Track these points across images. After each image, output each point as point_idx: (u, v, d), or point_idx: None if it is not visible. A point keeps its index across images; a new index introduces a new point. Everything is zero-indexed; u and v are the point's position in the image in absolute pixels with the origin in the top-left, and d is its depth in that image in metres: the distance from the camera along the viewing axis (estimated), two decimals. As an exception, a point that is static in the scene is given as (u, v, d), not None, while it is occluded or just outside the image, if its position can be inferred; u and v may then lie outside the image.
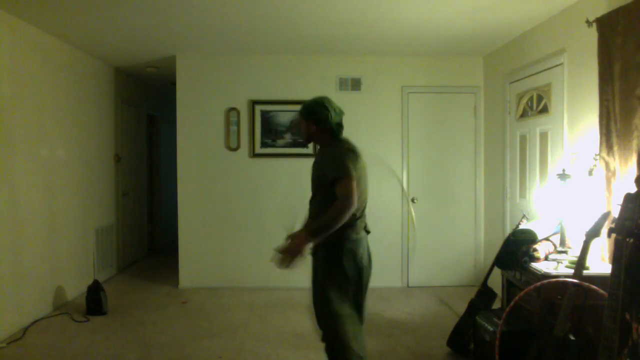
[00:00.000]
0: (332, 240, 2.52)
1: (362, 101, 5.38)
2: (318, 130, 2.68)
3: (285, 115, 5.33)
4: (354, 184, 2.47)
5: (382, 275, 5.39)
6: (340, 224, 2.45)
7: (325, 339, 2.63)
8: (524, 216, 3.60)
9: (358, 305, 2.64)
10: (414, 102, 5.40)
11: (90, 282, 4.50)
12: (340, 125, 2.71)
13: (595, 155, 3.13)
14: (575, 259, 2.72)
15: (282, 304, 4.74)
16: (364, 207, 2.67)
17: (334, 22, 4.16)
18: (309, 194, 2.79)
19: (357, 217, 2.60)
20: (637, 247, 2.20)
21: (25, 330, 3.91)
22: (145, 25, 4.20)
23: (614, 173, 2.94)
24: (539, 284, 2.67)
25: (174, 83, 5.44)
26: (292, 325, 3.77)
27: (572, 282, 2.46)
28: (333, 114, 2.66)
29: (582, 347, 2.39)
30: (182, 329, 4.05)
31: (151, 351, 3.57)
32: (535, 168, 4.23)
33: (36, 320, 4.12)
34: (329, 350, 2.62)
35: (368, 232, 2.72)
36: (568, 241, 3.22)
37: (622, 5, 2.88)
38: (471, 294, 3.67)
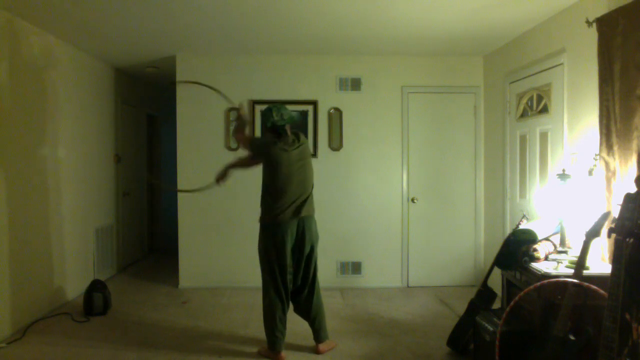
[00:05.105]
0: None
1: (362, 101, 5.38)
2: None
3: (285, 115, 5.32)
4: None
5: (382, 275, 5.41)
6: None
7: (316, 294, 3.52)
8: (524, 216, 3.60)
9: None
10: (414, 102, 5.40)
11: (89, 282, 4.50)
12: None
13: (595, 155, 3.13)
14: (575, 259, 2.72)
15: (282, 304, 4.74)
16: None
17: (334, 22, 4.16)
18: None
19: None
20: (637, 247, 2.20)
21: (25, 330, 3.91)
22: (145, 25, 4.20)
23: (614, 173, 2.94)
24: (539, 284, 2.67)
25: (174, 83, 5.44)
26: (292, 325, 3.77)
27: (572, 282, 2.46)
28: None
29: (582, 347, 2.39)
30: (182, 329, 4.05)
31: (151, 351, 3.57)
32: (535, 168, 4.23)
33: (36, 320, 4.12)
34: (316, 302, 3.52)
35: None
36: (568, 241, 3.23)
37: (622, 5, 2.89)
38: (471, 294, 3.67)
